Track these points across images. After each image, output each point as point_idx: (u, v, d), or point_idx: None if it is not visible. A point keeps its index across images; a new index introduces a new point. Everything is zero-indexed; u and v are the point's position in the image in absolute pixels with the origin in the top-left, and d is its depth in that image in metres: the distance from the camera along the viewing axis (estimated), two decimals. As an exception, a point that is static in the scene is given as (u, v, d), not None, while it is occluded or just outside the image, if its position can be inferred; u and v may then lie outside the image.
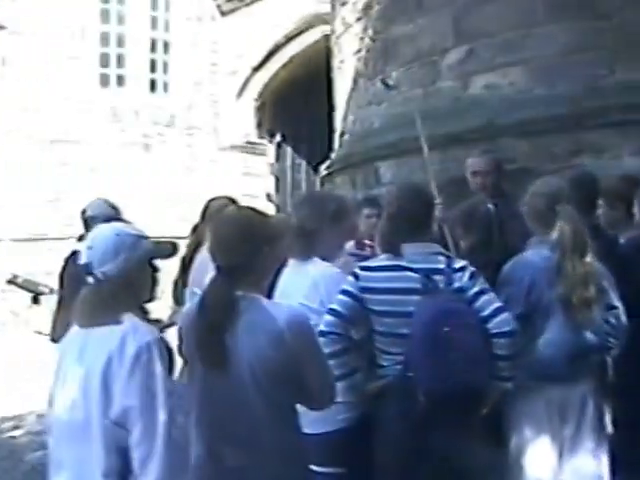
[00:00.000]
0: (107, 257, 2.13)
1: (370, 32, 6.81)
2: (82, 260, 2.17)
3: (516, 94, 5.32)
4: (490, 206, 4.11)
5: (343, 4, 7.47)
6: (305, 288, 2.92)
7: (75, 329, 2.21)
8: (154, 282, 2.29)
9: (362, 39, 6.97)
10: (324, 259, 3.04)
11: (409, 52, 6.20)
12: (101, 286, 2.14)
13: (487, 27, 5.57)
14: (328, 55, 8.45)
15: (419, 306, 2.80)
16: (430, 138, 4.57)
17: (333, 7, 8.14)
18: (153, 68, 13.65)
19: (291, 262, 3.08)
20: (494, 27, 5.52)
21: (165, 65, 13.81)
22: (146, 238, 2.24)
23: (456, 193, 4.54)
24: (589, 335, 3.09)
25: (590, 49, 5.06)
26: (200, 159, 13.97)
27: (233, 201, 4.20)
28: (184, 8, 13.87)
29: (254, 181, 14.34)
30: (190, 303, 2.49)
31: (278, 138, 14.48)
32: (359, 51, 7.05)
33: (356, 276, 2.96)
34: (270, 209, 12.65)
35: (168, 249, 2.34)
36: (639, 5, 4.96)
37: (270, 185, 14.55)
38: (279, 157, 14.60)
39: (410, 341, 2.81)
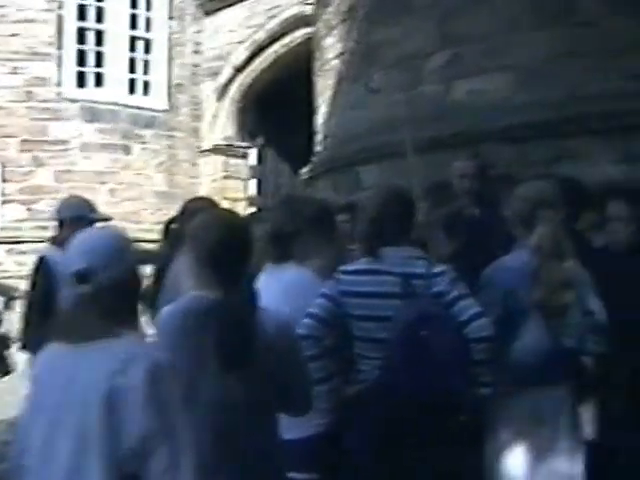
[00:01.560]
0: (108, 262, 1.92)
1: (354, 35, 6.79)
2: (73, 266, 1.93)
3: (499, 100, 5.32)
4: (475, 210, 4.10)
5: (326, 6, 7.45)
6: (277, 293, 2.87)
7: (58, 345, 1.95)
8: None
9: (345, 42, 6.95)
10: (300, 263, 3.03)
11: (393, 55, 6.18)
12: (98, 295, 1.91)
13: (472, 32, 5.58)
14: (311, 57, 8.42)
15: (398, 310, 2.80)
16: (413, 142, 4.54)
17: (316, 9, 8.12)
18: (133, 68, 13.53)
19: (267, 267, 3.06)
20: (479, 32, 5.53)
21: (145, 65, 13.71)
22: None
23: (438, 197, 4.53)
24: (566, 340, 3.10)
25: (572, 56, 5.07)
26: (181, 161, 13.90)
27: (212, 203, 4.13)
28: (165, 7, 13.78)
29: (235, 184, 14.29)
30: (174, 306, 2.40)
31: (260, 141, 14.44)
32: (342, 54, 7.03)
33: (336, 279, 2.96)
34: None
35: (153, 256, 2.24)
36: (621, 14, 4.98)
37: (252, 188, 14.50)
38: (261, 160, 14.55)
39: (389, 345, 2.80)
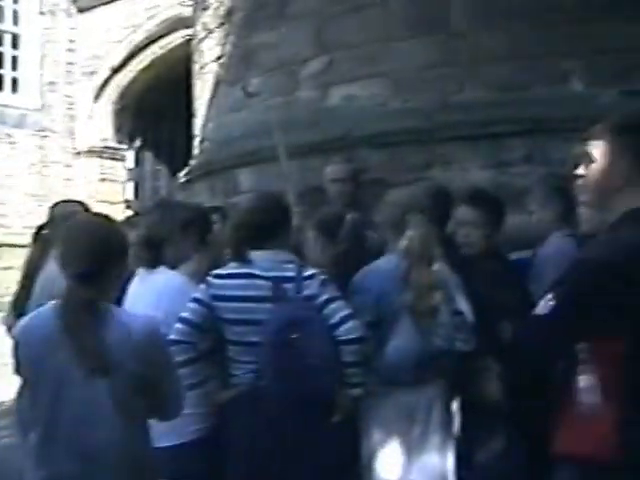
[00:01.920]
0: None
1: (232, 38, 6.77)
2: None
3: (373, 106, 5.44)
4: (355, 215, 4.14)
5: (204, 9, 7.40)
6: (150, 298, 2.89)
7: None
8: None
9: (223, 45, 6.93)
10: (173, 268, 3.02)
11: (270, 60, 6.21)
12: None
13: (347, 39, 5.68)
14: (190, 60, 8.33)
15: (269, 314, 2.82)
16: (289, 147, 4.58)
17: (195, 11, 8.05)
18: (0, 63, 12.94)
19: (139, 271, 3.01)
20: (354, 39, 5.64)
21: (14, 61, 13.12)
22: None
23: (315, 202, 4.58)
24: (436, 340, 3.20)
25: (443, 66, 5.26)
26: (54, 163, 13.40)
27: (82, 205, 4.01)
28: (36, 1, 13.23)
29: (112, 187, 13.92)
30: (34, 314, 2.33)
31: (138, 143, 14.14)
32: (220, 57, 6.99)
33: (208, 284, 2.95)
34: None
35: None
36: (489, 27, 5.20)
37: (129, 191, 14.17)
38: (139, 163, 14.26)
39: (261, 349, 2.82)
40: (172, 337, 2.81)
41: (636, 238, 1.93)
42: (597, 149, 2.02)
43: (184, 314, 2.88)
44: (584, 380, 1.96)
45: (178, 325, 2.86)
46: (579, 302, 1.94)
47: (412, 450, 3.16)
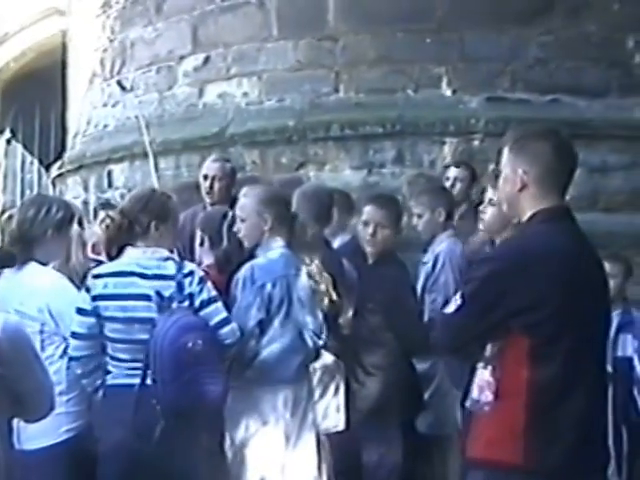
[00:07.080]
0: None
1: (108, 31, 6.68)
2: None
3: (248, 104, 5.53)
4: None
5: (81, -1, 7.26)
6: (21, 295, 2.81)
7: None
8: None
9: (99, 38, 6.82)
10: (44, 264, 2.94)
11: (146, 55, 6.18)
12: None
13: (223, 37, 5.74)
14: (64, 50, 8.14)
15: (159, 322, 2.80)
16: (164, 143, 4.59)
17: (70, 1, 7.88)
18: None
19: (5, 271, 2.93)
20: (230, 38, 5.71)
21: None
22: None
23: (189, 198, 4.59)
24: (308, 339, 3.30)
25: (317, 67, 5.40)
26: None
27: None
28: None
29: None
30: None
31: (7, 134, 13.59)
32: (96, 50, 6.87)
33: (87, 288, 2.90)
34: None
35: None
36: (362, 30, 5.37)
37: (-3, 184, 13.59)
38: (8, 154, 13.70)
39: (154, 357, 2.78)
40: (70, 354, 2.79)
41: (539, 237, 2.04)
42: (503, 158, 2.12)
43: (74, 328, 2.83)
44: (480, 378, 2.02)
45: (72, 341, 2.82)
46: (485, 300, 2.01)
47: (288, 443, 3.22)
